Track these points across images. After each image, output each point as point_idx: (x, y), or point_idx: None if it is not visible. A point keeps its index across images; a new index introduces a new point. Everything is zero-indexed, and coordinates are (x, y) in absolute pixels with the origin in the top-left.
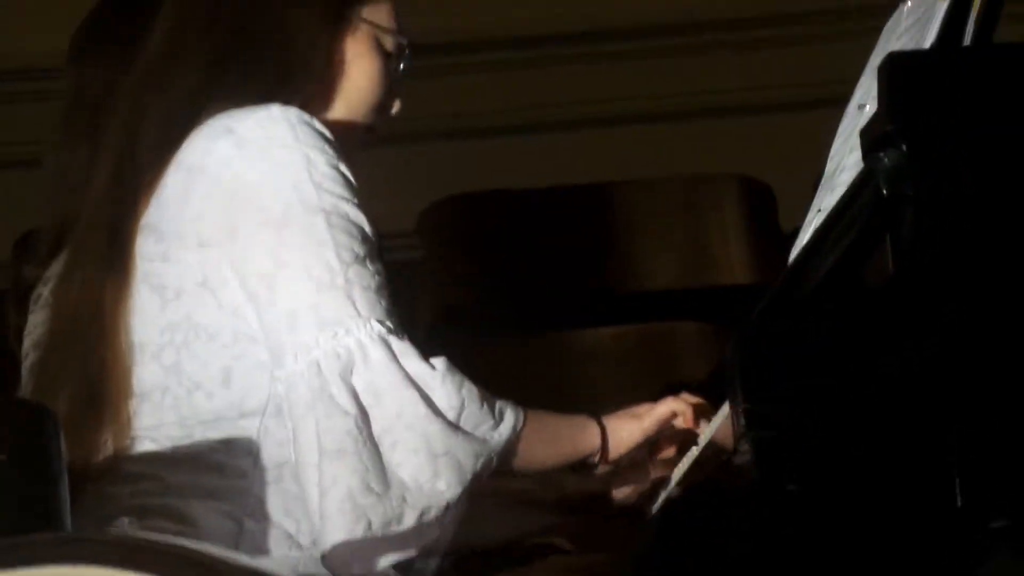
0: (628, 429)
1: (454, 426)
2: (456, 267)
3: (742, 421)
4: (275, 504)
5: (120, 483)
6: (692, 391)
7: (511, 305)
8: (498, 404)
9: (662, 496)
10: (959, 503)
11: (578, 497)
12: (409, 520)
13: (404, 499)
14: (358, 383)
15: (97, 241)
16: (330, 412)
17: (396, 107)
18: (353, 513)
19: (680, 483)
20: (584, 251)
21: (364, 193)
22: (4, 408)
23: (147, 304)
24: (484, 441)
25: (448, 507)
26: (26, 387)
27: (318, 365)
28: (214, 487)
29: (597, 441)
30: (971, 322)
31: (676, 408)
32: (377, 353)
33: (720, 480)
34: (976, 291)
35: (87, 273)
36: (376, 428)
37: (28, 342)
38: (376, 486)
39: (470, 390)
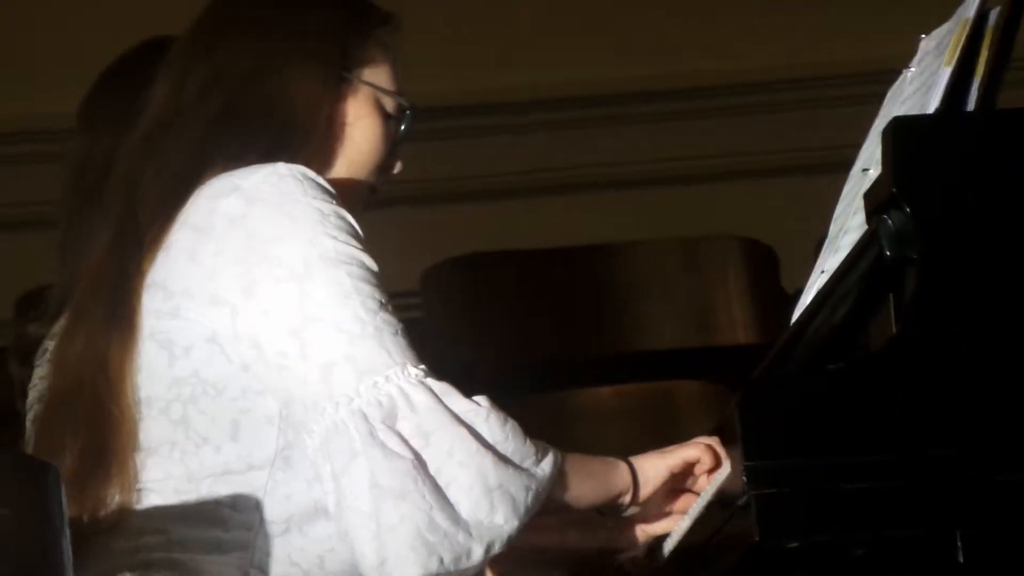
0: (654, 466)
1: (505, 459)
2: (457, 327)
3: (744, 479)
4: (280, 556)
5: (125, 538)
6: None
7: (512, 365)
8: (538, 442)
9: (666, 550)
10: (961, 560)
11: (581, 551)
12: (477, 555)
13: (470, 534)
14: (405, 428)
15: (100, 299)
16: (385, 455)
17: (397, 168)
18: (425, 550)
19: (683, 539)
20: (587, 311)
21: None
22: (5, 463)
23: (154, 360)
24: (532, 475)
25: (510, 540)
26: (29, 441)
27: (363, 414)
28: (219, 540)
29: (628, 479)
30: (973, 384)
31: (701, 455)
32: (420, 396)
33: (722, 536)
34: (978, 354)
35: (91, 329)
36: (430, 469)
37: (32, 395)
38: (443, 523)
39: (514, 426)
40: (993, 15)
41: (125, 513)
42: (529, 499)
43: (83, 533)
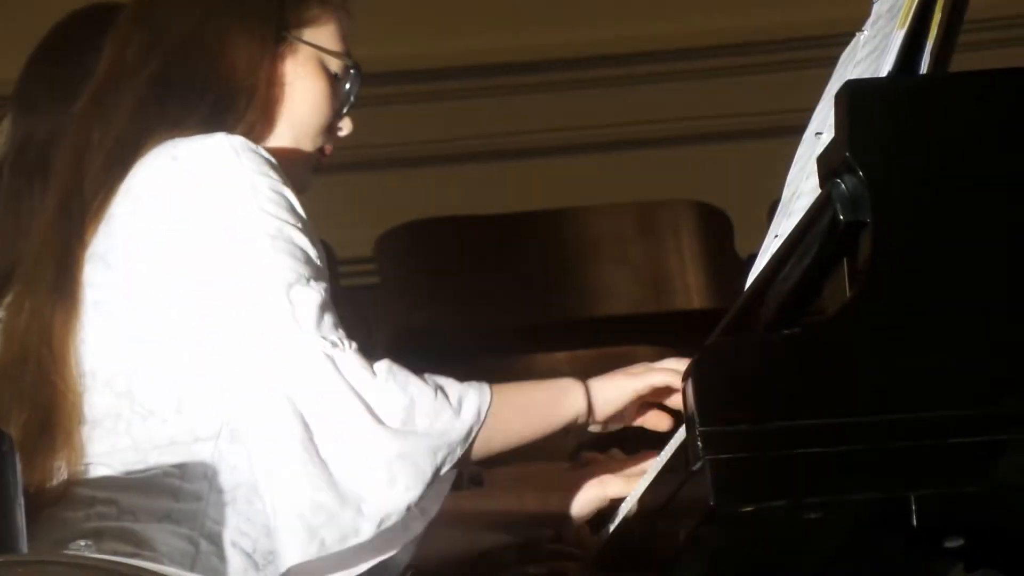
0: (618, 386)
1: (399, 430)
2: (413, 292)
3: (699, 444)
4: (231, 525)
5: (75, 507)
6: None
7: (467, 330)
8: (458, 391)
9: (620, 515)
10: (915, 523)
11: (537, 514)
12: (367, 531)
13: (360, 511)
14: (304, 402)
15: (45, 270)
16: (278, 433)
17: (346, 129)
18: (306, 533)
19: (638, 502)
20: (541, 276)
21: (321, 220)
22: None
23: (97, 331)
24: (443, 433)
25: (409, 509)
26: None
27: (266, 387)
28: (169, 510)
29: (582, 402)
30: (927, 348)
31: (673, 383)
32: (320, 370)
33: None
34: (932, 319)
35: (36, 302)
36: (326, 445)
37: None
38: (328, 502)
39: (418, 386)
40: None
41: (73, 484)
42: (439, 460)
43: (33, 504)
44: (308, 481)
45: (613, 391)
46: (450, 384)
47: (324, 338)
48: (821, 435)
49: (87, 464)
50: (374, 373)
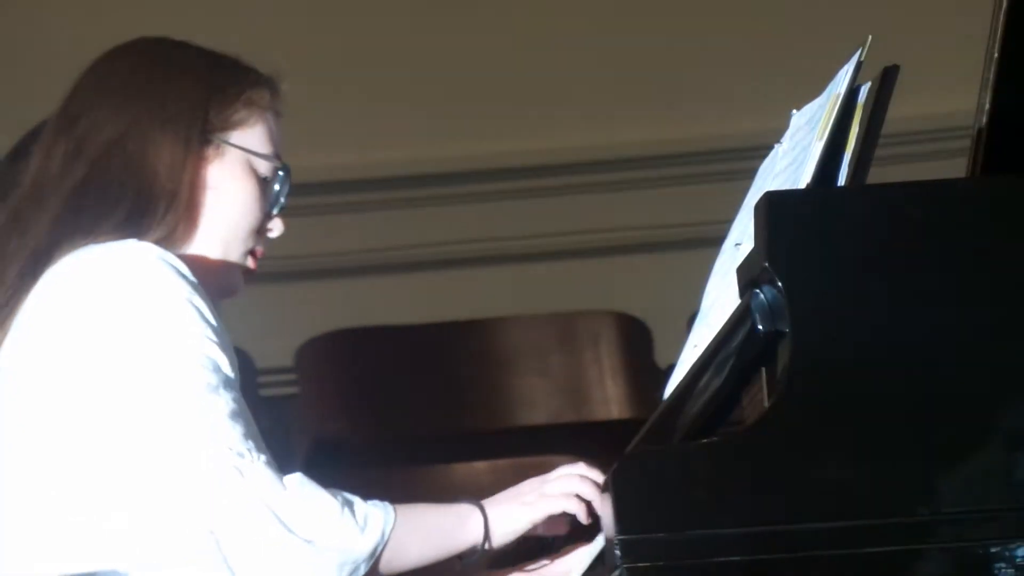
0: (515, 518)
1: (309, 542)
2: (331, 402)
3: (617, 552)
4: None
5: None
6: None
7: (387, 440)
8: (363, 509)
9: None
10: None
11: None
12: None
13: None
14: (211, 513)
15: None
16: (188, 545)
17: (277, 230)
18: None
19: None
20: (461, 386)
21: (243, 329)
22: None
23: (4, 443)
24: (346, 550)
25: None
26: None
27: (174, 498)
28: None
29: (479, 531)
30: (844, 457)
31: (567, 506)
32: (227, 481)
33: None
34: (850, 427)
35: None
36: (234, 554)
37: None
38: None
39: (327, 502)
40: (863, 91)
41: None
42: (345, 574)
43: None
44: None
45: (510, 522)
46: (357, 501)
47: (230, 449)
48: (738, 544)
49: None
50: (284, 486)
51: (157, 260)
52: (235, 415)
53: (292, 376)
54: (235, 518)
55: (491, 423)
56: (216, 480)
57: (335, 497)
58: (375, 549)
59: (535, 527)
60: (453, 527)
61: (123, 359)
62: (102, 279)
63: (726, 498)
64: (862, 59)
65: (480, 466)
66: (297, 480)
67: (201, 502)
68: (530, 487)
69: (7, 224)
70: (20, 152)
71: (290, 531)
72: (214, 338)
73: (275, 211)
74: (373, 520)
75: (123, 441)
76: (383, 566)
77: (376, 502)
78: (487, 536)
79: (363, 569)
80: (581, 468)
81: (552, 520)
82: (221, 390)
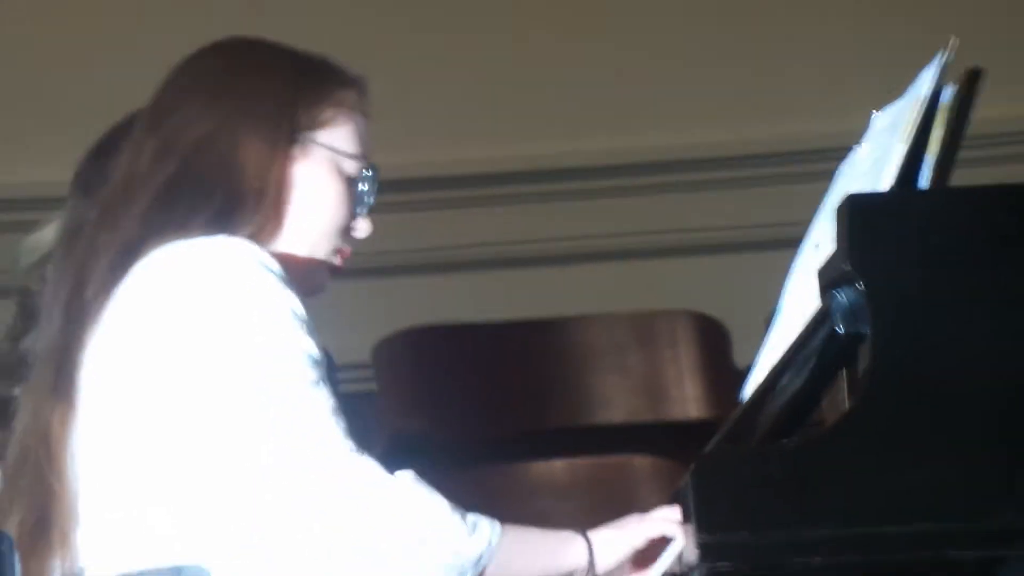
0: (615, 543)
1: (422, 540)
2: (409, 400)
3: (698, 553)
4: None
5: None
6: None
7: (463, 438)
8: (471, 516)
9: None
10: None
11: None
12: None
13: None
14: (326, 506)
15: (47, 372)
16: (304, 539)
17: (364, 231)
18: None
19: None
20: (539, 385)
21: (319, 324)
22: None
23: (96, 435)
24: (456, 553)
25: None
26: None
27: (287, 492)
28: None
29: (583, 555)
30: (926, 460)
31: (668, 532)
32: (341, 474)
33: None
34: (931, 430)
35: (37, 400)
36: (349, 548)
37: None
38: None
39: (439, 502)
40: (947, 93)
41: None
42: None
43: None
44: None
45: (613, 550)
46: (462, 510)
47: (339, 444)
48: (819, 546)
49: (83, 568)
50: (396, 483)
51: (251, 255)
52: (336, 411)
53: (369, 373)
54: (349, 514)
55: (569, 422)
56: (328, 476)
57: (444, 499)
58: (482, 556)
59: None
60: (556, 549)
61: (223, 353)
62: (198, 272)
63: (807, 499)
64: (946, 61)
65: (557, 464)
66: (409, 478)
67: (315, 499)
68: (630, 520)
69: (97, 219)
70: (104, 149)
71: (403, 528)
72: (308, 332)
73: (361, 211)
74: (481, 527)
75: (224, 436)
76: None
77: (480, 515)
78: (591, 563)
79: (469, 574)
80: (678, 513)
81: (651, 545)
82: (322, 385)
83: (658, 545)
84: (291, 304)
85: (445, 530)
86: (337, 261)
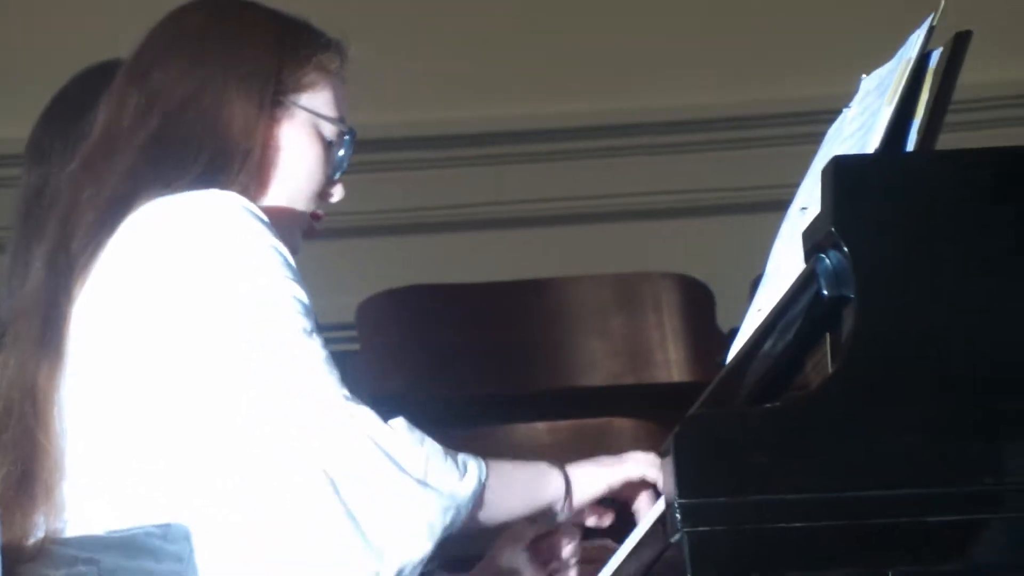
0: (592, 477)
1: (421, 482)
2: (392, 360)
3: (677, 516)
4: None
5: (55, 565)
6: None
7: (445, 398)
8: (460, 457)
9: None
10: None
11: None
12: None
13: (382, 558)
14: (323, 454)
15: (31, 325)
16: (302, 485)
17: (338, 195)
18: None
19: (615, 575)
20: (521, 346)
21: (303, 284)
22: None
23: (83, 388)
24: (451, 494)
25: (421, 563)
26: None
27: (282, 441)
28: (151, 571)
29: (562, 489)
30: (908, 424)
31: (647, 474)
32: (338, 422)
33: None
34: (914, 394)
35: (22, 354)
36: (351, 494)
37: None
38: (356, 547)
39: (432, 445)
40: (935, 56)
41: (52, 541)
42: (447, 519)
43: (8, 560)
44: (336, 530)
45: (590, 483)
46: (452, 451)
47: (336, 391)
48: (800, 510)
49: (67, 521)
50: (392, 427)
51: (242, 207)
52: (329, 359)
53: (352, 333)
54: (350, 458)
55: (551, 383)
56: (327, 422)
57: (435, 442)
58: (474, 494)
59: (611, 491)
60: (537, 482)
61: (217, 303)
62: (191, 223)
63: (788, 463)
64: (934, 24)
65: (539, 426)
66: (403, 422)
67: (313, 444)
68: (607, 458)
69: (77, 172)
70: (57, 112)
71: (403, 471)
72: (300, 283)
73: (337, 175)
74: (471, 467)
75: (217, 385)
76: (473, 519)
77: (467, 454)
78: (568, 493)
79: (463, 514)
80: (653, 457)
81: (628, 487)
82: (315, 334)
83: (634, 488)
84: (282, 255)
85: (441, 473)
86: (312, 224)
